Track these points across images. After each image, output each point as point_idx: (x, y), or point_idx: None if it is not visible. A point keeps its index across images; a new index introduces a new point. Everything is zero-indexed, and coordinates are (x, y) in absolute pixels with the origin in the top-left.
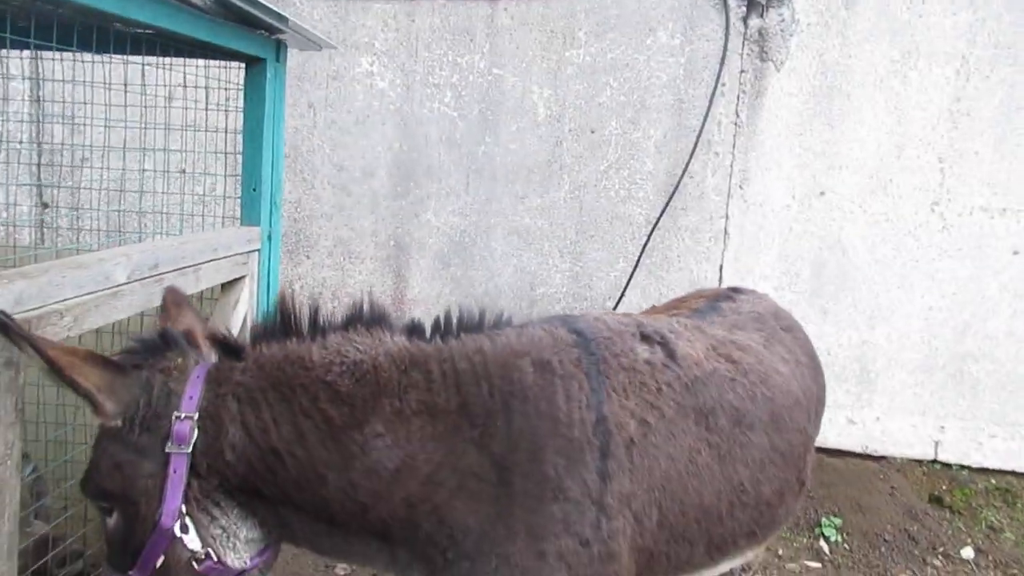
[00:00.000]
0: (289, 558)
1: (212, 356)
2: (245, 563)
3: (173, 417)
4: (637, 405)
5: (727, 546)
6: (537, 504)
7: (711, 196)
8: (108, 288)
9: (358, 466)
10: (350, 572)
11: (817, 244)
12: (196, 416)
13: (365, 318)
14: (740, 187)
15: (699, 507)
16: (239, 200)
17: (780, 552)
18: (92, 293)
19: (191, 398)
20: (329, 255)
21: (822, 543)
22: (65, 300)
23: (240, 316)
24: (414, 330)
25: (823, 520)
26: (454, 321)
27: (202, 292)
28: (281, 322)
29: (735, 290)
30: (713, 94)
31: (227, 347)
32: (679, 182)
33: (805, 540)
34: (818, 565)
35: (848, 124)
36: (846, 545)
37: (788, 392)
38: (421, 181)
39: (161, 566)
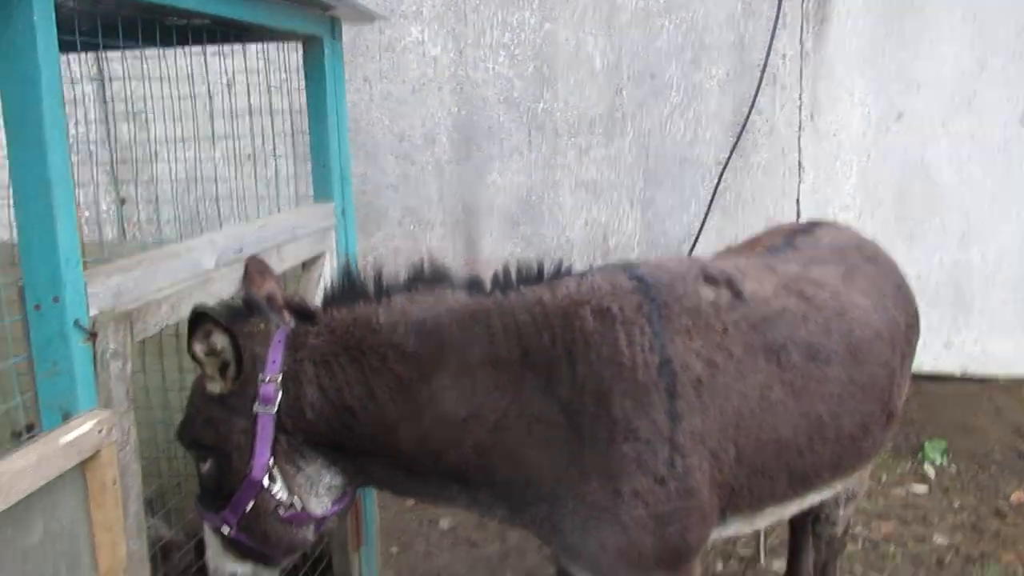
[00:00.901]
0: (394, 515)
1: (290, 321)
2: (326, 509)
3: (259, 380)
4: (703, 346)
5: (811, 479)
6: (608, 446)
7: (781, 131)
8: (199, 275)
9: (427, 418)
10: (454, 525)
11: (898, 169)
12: (279, 379)
13: (426, 277)
14: (811, 118)
15: (776, 442)
16: (308, 179)
17: (883, 478)
18: (185, 281)
19: (274, 362)
20: (399, 225)
21: (927, 467)
22: (161, 290)
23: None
24: (474, 286)
25: (926, 444)
26: (513, 275)
27: (285, 272)
28: (349, 287)
29: (814, 224)
30: (775, 26)
31: (302, 313)
32: (747, 120)
33: (908, 465)
34: (924, 489)
35: (923, 42)
36: (953, 467)
37: (868, 325)
38: (483, 144)
39: (250, 511)
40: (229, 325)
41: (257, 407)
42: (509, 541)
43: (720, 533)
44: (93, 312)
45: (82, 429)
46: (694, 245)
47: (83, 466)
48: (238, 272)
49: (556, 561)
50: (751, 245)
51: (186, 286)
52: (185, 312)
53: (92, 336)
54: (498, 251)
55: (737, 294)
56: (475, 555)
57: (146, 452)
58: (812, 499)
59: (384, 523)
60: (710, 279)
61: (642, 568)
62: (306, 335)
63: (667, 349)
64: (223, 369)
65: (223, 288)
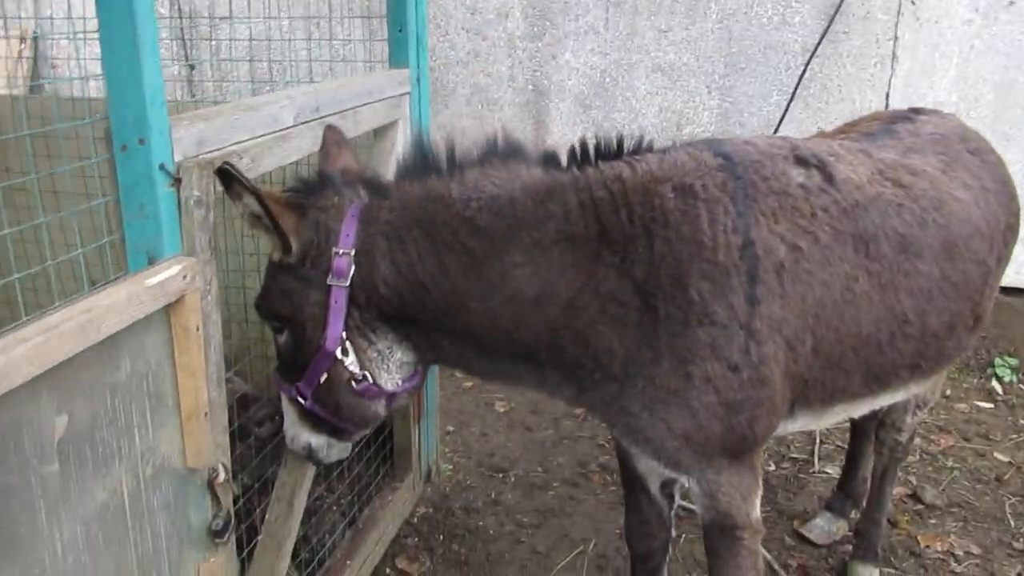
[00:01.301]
0: (451, 395)
1: (364, 195)
2: (397, 385)
3: (332, 253)
4: (788, 230)
5: (887, 377)
6: (682, 328)
7: (877, 16)
8: (277, 131)
9: (499, 295)
10: (509, 409)
11: (1003, 62)
12: (352, 252)
13: (501, 152)
14: (912, 3)
15: (856, 336)
16: (382, 44)
17: (948, 393)
18: (264, 136)
19: (347, 236)
20: (467, 103)
21: (994, 383)
22: (241, 142)
23: (395, 160)
24: (549, 161)
25: (996, 360)
26: (591, 149)
27: (358, 139)
28: (421, 160)
29: (916, 111)
30: None
31: (375, 187)
32: (840, 3)
33: (976, 380)
34: (990, 406)
35: None
36: (1022, 385)
37: (966, 220)
38: (557, 20)
39: (324, 383)
40: (306, 199)
41: (331, 280)
42: (562, 428)
43: (786, 427)
44: (177, 158)
45: (168, 272)
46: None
47: (168, 310)
48: (315, 131)
49: (619, 444)
50: (846, 130)
51: (265, 140)
52: (266, 166)
53: (177, 181)
54: (567, 135)
55: (828, 178)
56: (528, 439)
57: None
58: (884, 400)
59: (441, 403)
60: (801, 160)
61: (706, 455)
62: (379, 209)
63: (751, 231)
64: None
65: (301, 145)
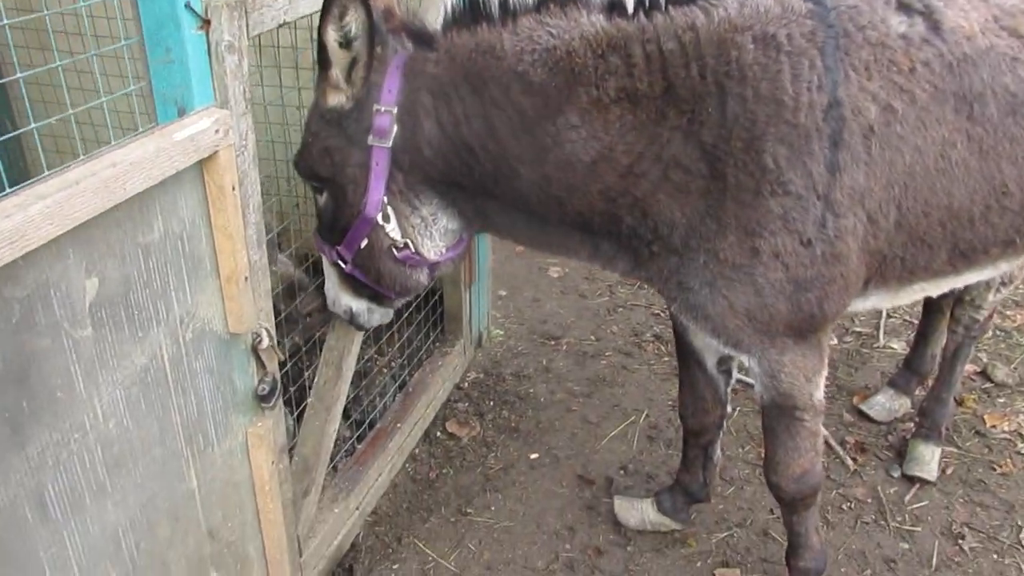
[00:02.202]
0: (504, 259)
1: (408, 45)
2: (440, 254)
3: (374, 109)
4: (882, 87)
5: (976, 254)
6: (753, 198)
7: None
8: None
9: (551, 159)
10: (563, 275)
11: None
12: (395, 110)
13: None
14: None
15: (946, 208)
16: None
17: None
18: None
19: (390, 91)
20: None
21: None
22: None
23: (444, 4)
24: (615, 7)
25: None
26: None
27: None
28: (471, 7)
29: None
30: None
31: (420, 36)
32: None
33: None
34: None
35: None
36: None
37: None
38: None
39: (364, 248)
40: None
41: (372, 140)
42: (617, 296)
43: (857, 305)
44: None
45: (199, 126)
46: None
47: (201, 166)
48: None
49: (675, 317)
50: None
51: None
52: (304, 8)
53: (205, 23)
54: None
55: (935, 26)
56: (582, 305)
57: (263, 169)
58: (969, 278)
59: (493, 267)
60: (905, 6)
61: (769, 334)
62: (424, 62)
63: (838, 88)
64: (351, 69)
65: None
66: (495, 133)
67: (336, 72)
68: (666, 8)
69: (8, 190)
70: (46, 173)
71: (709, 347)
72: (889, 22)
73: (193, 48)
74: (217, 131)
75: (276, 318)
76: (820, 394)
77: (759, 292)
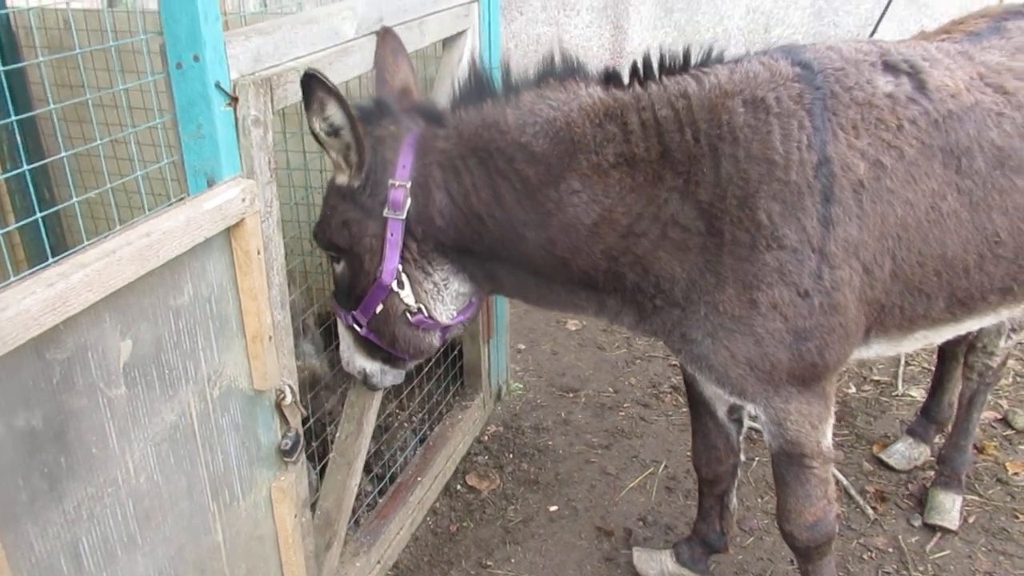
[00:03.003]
0: (523, 313)
1: (419, 124)
2: (452, 317)
3: (389, 184)
4: (870, 144)
5: (974, 302)
6: (749, 252)
7: None
8: (339, 44)
9: (555, 223)
10: (581, 328)
11: None
12: (408, 184)
13: (558, 71)
14: None
15: (940, 258)
16: None
17: None
18: (324, 49)
19: (404, 167)
20: (543, 9)
21: None
22: (299, 57)
23: (451, 86)
24: (611, 79)
25: None
26: (655, 64)
27: (426, 50)
28: (476, 85)
29: None
30: None
31: (430, 114)
32: None
33: None
34: None
35: None
36: None
37: None
38: None
39: (379, 313)
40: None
41: (387, 212)
42: (635, 348)
43: (861, 354)
44: (234, 75)
45: (227, 195)
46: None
47: (229, 233)
48: None
49: (684, 371)
50: (950, 29)
51: (325, 54)
52: None
53: (233, 100)
54: (648, 40)
55: (920, 85)
56: (600, 357)
57: (288, 231)
58: (971, 325)
59: (512, 321)
60: (890, 66)
61: (772, 383)
62: (434, 138)
63: (827, 147)
64: (346, 153)
65: (363, 58)
66: (502, 201)
67: (334, 156)
68: (660, 78)
69: (51, 260)
70: (85, 243)
71: (718, 396)
72: (876, 83)
73: (222, 123)
74: (244, 200)
75: (304, 424)
76: (828, 441)
77: (759, 342)
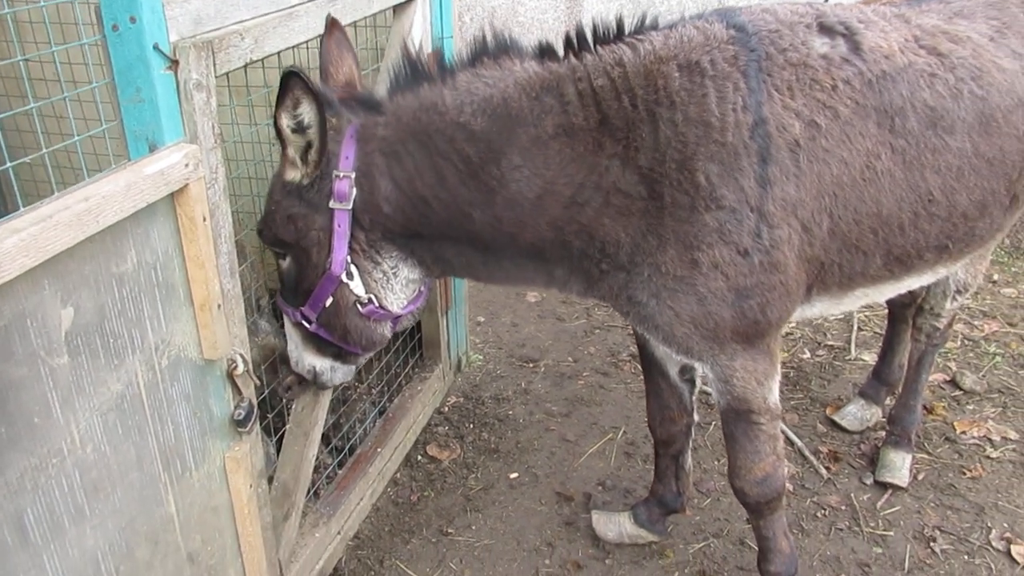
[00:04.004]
0: (481, 286)
1: (359, 114)
2: (402, 306)
3: (333, 176)
4: (805, 105)
5: (910, 259)
6: (689, 214)
7: None
8: (283, 8)
9: (499, 200)
10: (541, 299)
11: None
12: (352, 175)
13: (491, 49)
14: None
15: (876, 216)
16: None
17: (995, 277)
18: (268, 14)
19: (347, 158)
20: None
21: None
22: (243, 21)
23: (416, 41)
24: (545, 52)
25: None
26: (589, 36)
27: (376, 19)
28: (412, 71)
29: None
30: None
31: (369, 103)
32: None
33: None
34: None
35: None
36: None
37: (1008, 91)
38: None
39: (329, 306)
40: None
41: (333, 204)
42: (594, 318)
43: (804, 312)
44: (173, 38)
45: (170, 160)
46: None
47: (173, 199)
48: (325, 10)
49: (636, 333)
50: None
51: (269, 18)
52: (269, 47)
53: (173, 64)
54: (603, 11)
55: (855, 47)
56: (560, 328)
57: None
58: (910, 283)
59: (471, 294)
60: (825, 28)
61: (717, 340)
62: (375, 126)
63: (763, 107)
64: (305, 152)
65: (308, 24)
66: (445, 182)
67: (292, 152)
68: (594, 48)
69: None
70: (21, 209)
71: (669, 357)
72: (810, 44)
73: (162, 87)
74: (187, 165)
75: (259, 394)
76: (775, 398)
77: (702, 301)
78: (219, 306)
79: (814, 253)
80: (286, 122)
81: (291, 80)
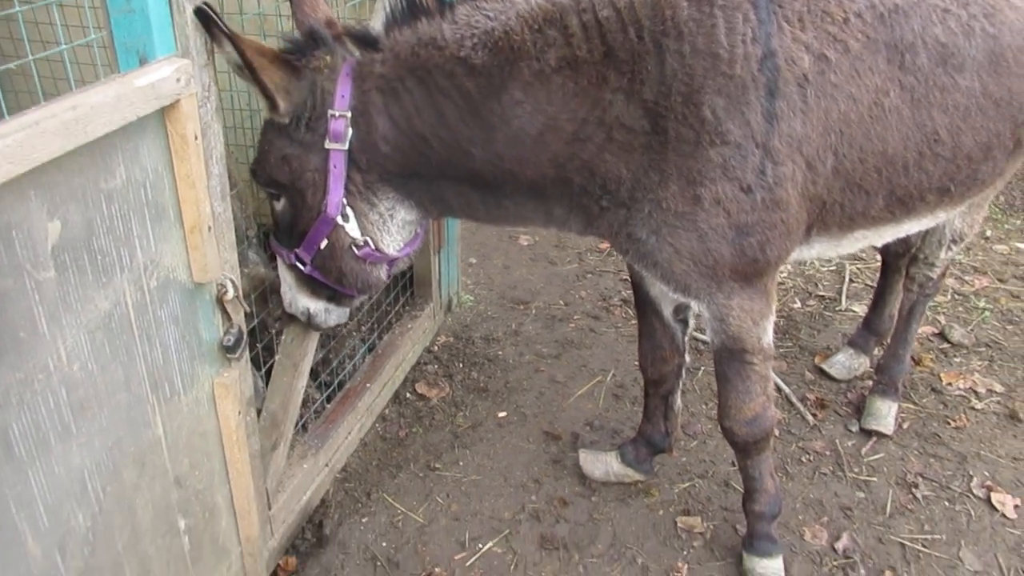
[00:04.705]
0: (474, 228)
1: (354, 51)
2: (399, 249)
3: (328, 115)
4: (815, 38)
5: (912, 201)
6: (693, 149)
7: None
8: None
9: (500, 137)
10: (533, 242)
11: None
12: (348, 114)
13: None
14: None
15: (881, 155)
16: None
17: (988, 234)
18: None
19: (343, 96)
20: None
21: None
22: None
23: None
24: None
25: None
26: None
27: None
28: (408, 4)
29: None
30: None
31: (365, 39)
32: None
33: (1018, 222)
34: None
35: None
36: None
37: (1020, 31)
38: None
39: (324, 249)
40: (298, 60)
41: (328, 144)
42: (587, 263)
43: (802, 253)
44: None
45: (160, 73)
46: None
47: (164, 115)
48: None
49: (631, 268)
50: None
51: None
52: None
53: None
54: None
55: None
56: (552, 272)
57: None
58: (910, 226)
59: (463, 236)
60: None
61: (715, 278)
62: (371, 63)
63: (772, 40)
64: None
65: None
66: (445, 120)
67: (251, 90)
68: None
69: None
70: (7, 117)
71: (664, 296)
72: None
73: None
74: (179, 80)
75: (249, 324)
76: (768, 338)
77: (702, 238)
78: (209, 228)
79: (817, 192)
80: (227, 60)
81: (202, 19)
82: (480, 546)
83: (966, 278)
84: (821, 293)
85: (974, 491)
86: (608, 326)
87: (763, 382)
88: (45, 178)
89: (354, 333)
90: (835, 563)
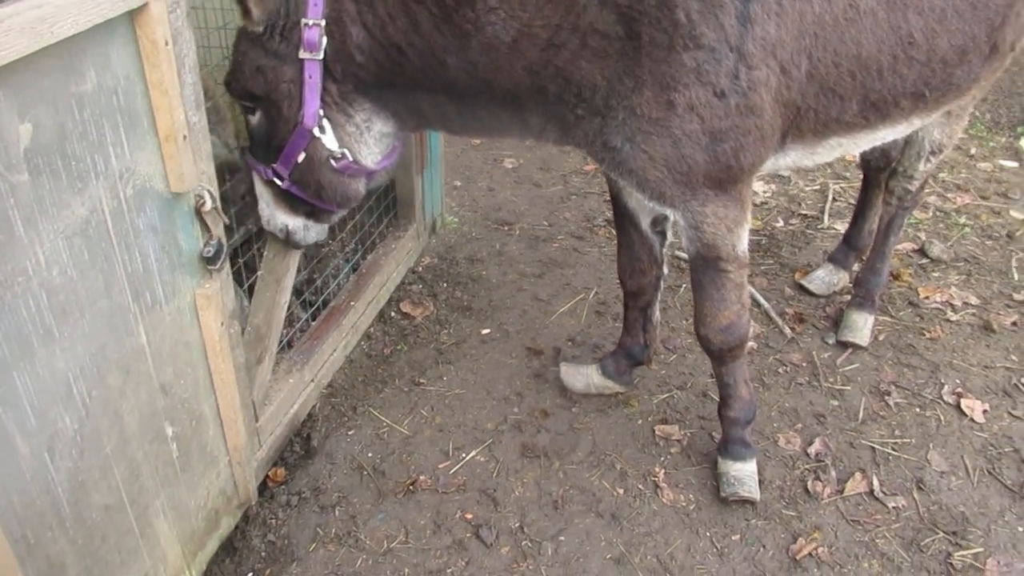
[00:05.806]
0: (459, 152)
1: None
2: (376, 161)
3: (302, 24)
4: None
5: (886, 106)
6: (666, 54)
7: None
8: None
9: (474, 45)
10: (518, 165)
11: None
12: (323, 22)
13: None
14: None
15: (855, 58)
16: None
17: (972, 151)
18: None
19: (316, 4)
20: None
21: (1022, 142)
22: None
23: None
24: None
25: None
26: None
27: None
28: None
29: None
30: None
31: None
32: None
33: (1003, 139)
34: (1014, 164)
35: None
36: None
37: None
38: None
39: (302, 162)
40: None
41: (303, 54)
42: (571, 184)
43: (778, 162)
44: None
45: None
46: None
47: (132, 19)
48: None
49: (609, 180)
50: None
51: None
52: None
53: None
54: None
55: None
56: (536, 194)
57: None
58: (884, 133)
59: (448, 159)
60: None
61: (689, 185)
62: None
63: None
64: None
65: None
66: (419, 28)
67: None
68: None
69: None
70: None
71: (642, 207)
72: None
73: None
74: None
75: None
76: (743, 246)
77: (676, 144)
78: (184, 137)
79: (791, 97)
80: None
81: None
82: (464, 455)
83: (948, 195)
84: (804, 212)
85: (945, 398)
86: (592, 246)
87: (738, 290)
88: (14, 78)
89: (337, 253)
90: (807, 466)
